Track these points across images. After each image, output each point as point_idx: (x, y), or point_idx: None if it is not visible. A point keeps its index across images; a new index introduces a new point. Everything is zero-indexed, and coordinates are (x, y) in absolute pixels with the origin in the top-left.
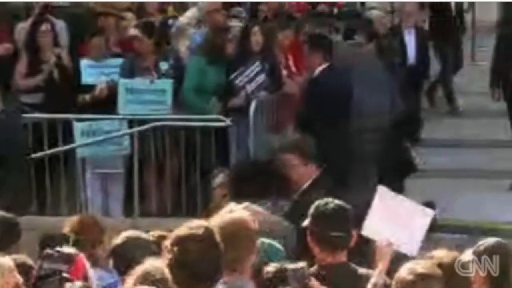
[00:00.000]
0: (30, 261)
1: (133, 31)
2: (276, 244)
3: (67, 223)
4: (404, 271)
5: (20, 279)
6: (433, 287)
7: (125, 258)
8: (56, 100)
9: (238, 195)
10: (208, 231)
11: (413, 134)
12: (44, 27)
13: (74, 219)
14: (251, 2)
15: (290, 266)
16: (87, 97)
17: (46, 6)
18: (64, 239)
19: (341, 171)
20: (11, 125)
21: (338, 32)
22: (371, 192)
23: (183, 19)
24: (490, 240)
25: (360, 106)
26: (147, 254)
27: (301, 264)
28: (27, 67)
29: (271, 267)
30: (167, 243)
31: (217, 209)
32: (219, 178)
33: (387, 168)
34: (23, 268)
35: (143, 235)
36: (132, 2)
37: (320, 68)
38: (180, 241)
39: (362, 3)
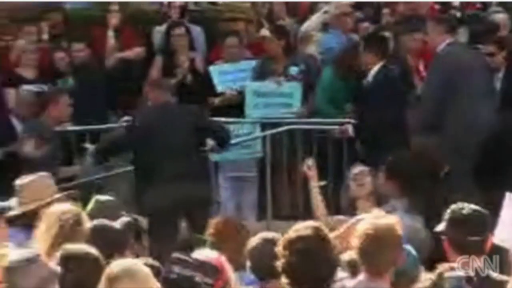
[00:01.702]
0: (157, 263)
1: (263, 32)
2: (409, 249)
3: (210, 226)
4: None
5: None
6: None
7: (261, 260)
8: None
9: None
10: (316, 230)
11: None
12: (179, 30)
13: (218, 222)
14: (375, 5)
15: (448, 274)
16: (216, 100)
17: (183, 8)
18: (201, 242)
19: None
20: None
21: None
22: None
23: (309, 23)
24: None
25: (448, 113)
26: None
27: (460, 273)
28: (161, 71)
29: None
30: (279, 248)
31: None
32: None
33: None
34: (152, 271)
35: (278, 236)
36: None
37: (375, 68)
38: (289, 244)
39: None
